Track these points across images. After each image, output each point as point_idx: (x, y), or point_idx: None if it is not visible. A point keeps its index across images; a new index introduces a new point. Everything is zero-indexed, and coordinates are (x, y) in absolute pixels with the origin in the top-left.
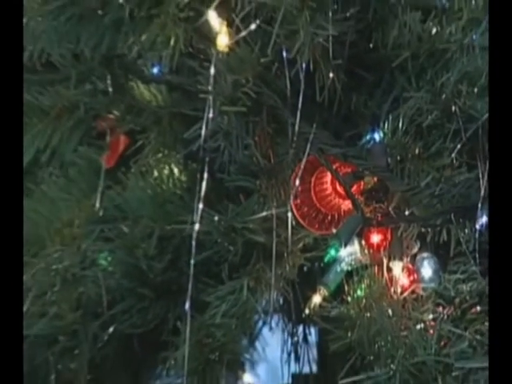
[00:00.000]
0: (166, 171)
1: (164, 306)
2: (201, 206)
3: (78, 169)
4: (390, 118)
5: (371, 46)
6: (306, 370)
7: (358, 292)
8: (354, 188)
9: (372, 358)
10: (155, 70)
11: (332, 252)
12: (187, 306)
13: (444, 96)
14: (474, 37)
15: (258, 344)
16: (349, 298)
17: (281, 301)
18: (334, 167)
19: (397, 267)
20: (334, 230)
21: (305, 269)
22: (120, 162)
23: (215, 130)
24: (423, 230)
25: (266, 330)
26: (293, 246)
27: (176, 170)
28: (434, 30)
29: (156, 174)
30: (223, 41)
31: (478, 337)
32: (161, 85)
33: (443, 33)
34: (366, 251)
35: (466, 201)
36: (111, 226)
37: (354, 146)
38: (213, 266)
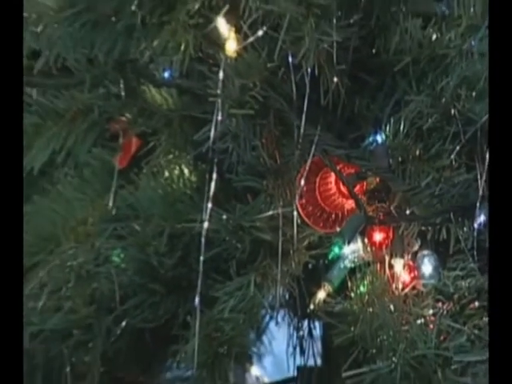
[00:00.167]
0: (176, 172)
1: (174, 301)
2: (210, 205)
3: (92, 169)
4: (392, 120)
5: (374, 51)
6: (311, 362)
7: (361, 288)
8: (357, 188)
9: (374, 351)
10: (166, 75)
11: (336, 249)
12: (197, 301)
13: (444, 100)
14: (473, 43)
15: (264, 338)
16: (352, 294)
17: (287, 296)
18: (338, 168)
19: (398, 264)
20: (338, 229)
21: (310, 266)
22: (132, 163)
23: (224, 132)
24: (423, 228)
25: (272, 325)
26: (298, 243)
27: (186, 171)
28: (434, 36)
29: (167, 174)
30: (231, 46)
31: (476, 331)
32: (171, 88)
33: (443, 39)
34: (369, 249)
35: (465, 200)
36: (124, 224)
37: (357, 147)
38: (221, 263)
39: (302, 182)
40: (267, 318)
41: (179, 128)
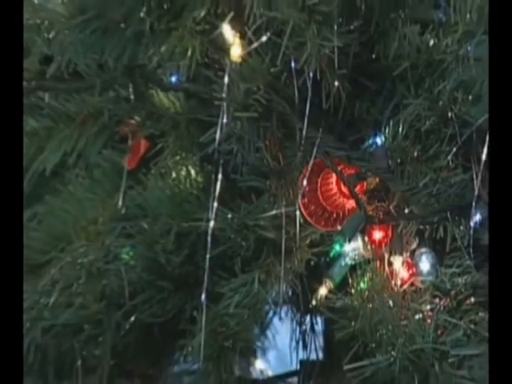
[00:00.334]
0: (183, 172)
1: (181, 297)
2: (215, 204)
3: (102, 170)
4: (391, 123)
5: (373, 56)
6: (313, 356)
7: (361, 284)
8: (358, 188)
9: (374, 345)
10: (173, 79)
11: (337, 247)
12: (203, 297)
13: (441, 103)
14: (469, 48)
15: (268, 332)
16: (352, 290)
17: (289, 292)
18: (339, 169)
19: (397, 261)
20: (339, 227)
21: (312, 263)
22: (141, 164)
23: (229, 134)
24: (421, 227)
25: (275, 320)
26: (301, 241)
27: (193, 172)
28: (432, 42)
29: (174, 175)
30: (236, 52)
31: (472, 326)
32: (179, 92)
33: (440, 45)
34: (369, 247)
35: (461, 200)
36: (133, 223)
37: (358, 149)
38: (226, 260)
39: (305, 183)
40: (271, 313)
41: (186, 130)
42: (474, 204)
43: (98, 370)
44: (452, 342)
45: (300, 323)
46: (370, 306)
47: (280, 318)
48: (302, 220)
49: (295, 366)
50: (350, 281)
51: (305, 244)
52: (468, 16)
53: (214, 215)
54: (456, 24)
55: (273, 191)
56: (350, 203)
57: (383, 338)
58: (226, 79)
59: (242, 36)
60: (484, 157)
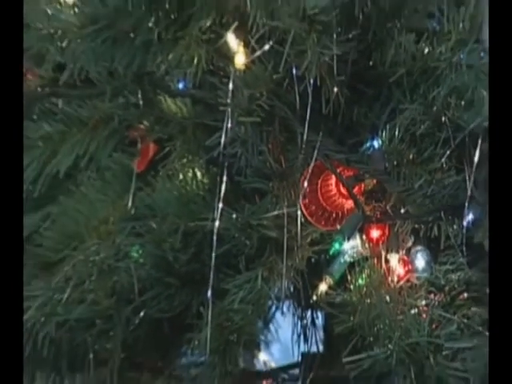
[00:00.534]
0: (190, 174)
1: (188, 294)
2: (221, 205)
3: (113, 173)
4: (388, 127)
5: (371, 64)
6: (314, 349)
7: (360, 281)
8: (356, 189)
9: (372, 339)
10: (180, 86)
11: (336, 245)
12: (209, 293)
13: (435, 108)
14: (462, 56)
15: (271, 326)
16: (351, 286)
17: (291, 288)
18: (338, 171)
19: (393, 259)
20: (338, 226)
21: (312, 260)
22: (149, 167)
23: (233, 138)
24: (417, 226)
25: (278, 314)
26: (302, 240)
27: (199, 174)
28: (426, 50)
29: (181, 177)
30: (240, 60)
31: (465, 320)
32: (185, 98)
33: (434, 52)
34: (367, 245)
35: (455, 200)
36: (142, 222)
37: (356, 152)
38: (231, 258)
39: (305, 184)
40: (273, 308)
41: (192, 134)
42: (466, 204)
43: (109, 362)
44: (446, 336)
45: (301, 318)
46: (368, 301)
47: (282, 313)
48: (303, 220)
49: (297, 358)
50: (348, 277)
51: (306, 242)
52: (461, 25)
53: (219, 215)
54: (449, 33)
55: (275, 192)
56: (349, 203)
57: (380, 332)
58: (231, 86)
59: (246, 44)
60: (476, 159)
